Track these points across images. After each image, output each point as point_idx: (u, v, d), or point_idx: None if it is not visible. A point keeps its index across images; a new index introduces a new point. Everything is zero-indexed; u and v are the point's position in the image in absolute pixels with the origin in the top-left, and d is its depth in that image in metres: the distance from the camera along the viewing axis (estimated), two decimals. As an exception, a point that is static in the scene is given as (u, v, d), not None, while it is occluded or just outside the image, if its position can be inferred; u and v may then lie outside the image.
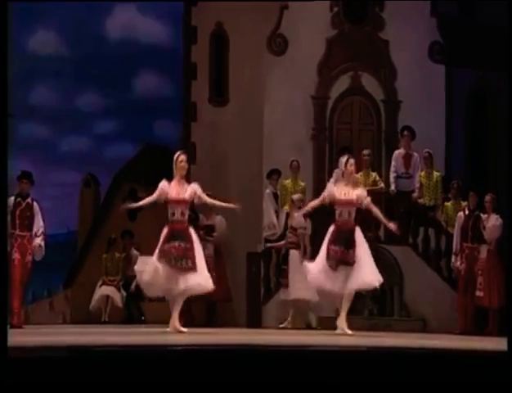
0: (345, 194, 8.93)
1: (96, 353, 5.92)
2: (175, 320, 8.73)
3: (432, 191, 12.87)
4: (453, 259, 11.75)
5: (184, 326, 11.60)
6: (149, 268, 8.58)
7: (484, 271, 11.49)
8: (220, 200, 9.22)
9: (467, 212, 11.73)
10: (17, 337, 7.51)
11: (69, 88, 20.11)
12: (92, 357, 5.64)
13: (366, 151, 12.91)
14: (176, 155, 8.83)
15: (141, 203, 9.01)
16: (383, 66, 14.74)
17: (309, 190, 13.22)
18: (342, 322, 8.92)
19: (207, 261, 12.38)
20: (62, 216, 17.64)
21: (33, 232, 10.46)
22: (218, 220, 12.63)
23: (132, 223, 15.95)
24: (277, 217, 12.97)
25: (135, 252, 14.18)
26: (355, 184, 9.08)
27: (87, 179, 17.54)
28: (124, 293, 14.21)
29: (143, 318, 13.95)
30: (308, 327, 11.77)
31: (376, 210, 9.13)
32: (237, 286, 12.85)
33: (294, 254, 11.83)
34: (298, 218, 11.69)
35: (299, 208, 11.90)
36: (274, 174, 13.10)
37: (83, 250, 16.83)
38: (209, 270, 12.45)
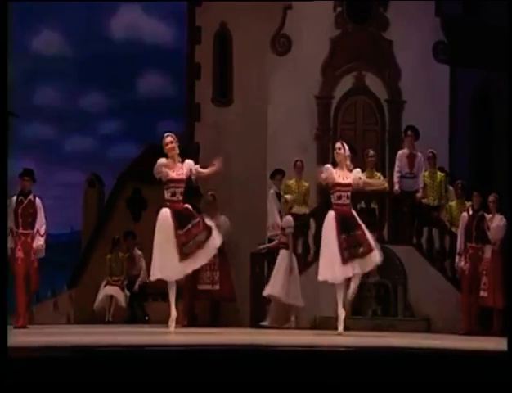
0: (343, 178, 9.03)
1: (100, 353, 5.92)
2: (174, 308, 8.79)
3: (436, 192, 12.87)
4: (457, 260, 11.74)
5: (188, 325, 11.66)
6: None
7: (489, 271, 11.48)
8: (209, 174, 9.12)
9: (471, 212, 11.71)
10: (21, 337, 7.53)
11: (74, 89, 20.16)
12: (96, 357, 5.64)
13: (370, 152, 12.90)
14: (163, 140, 8.79)
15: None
16: (387, 66, 14.73)
17: (313, 190, 13.21)
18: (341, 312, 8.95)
19: (211, 261, 12.48)
20: (66, 216, 17.69)
21: (36, 229, 10.31)
22: (222, 220, 12.63)
23: (136, 224, 15.97)
24: (281, 217, 12.97)
25: (138, 252, 14.20)
26: (348, 168, 9.13)
27: (91, 179, 17.55)
28: (128, 293, 14.22)
29: (147, 318, 13.96)
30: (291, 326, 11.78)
31: (372, 181, 9.19)
32: (241, 286, 12.85)
33: (283, 253, 11.92)
34: (286, 217, 11.89)
35: (290, 208, 12.01)
36: (278, 174, 13.09)
37: (87, 250, 16.84)
38: (214, 270, 12.59)
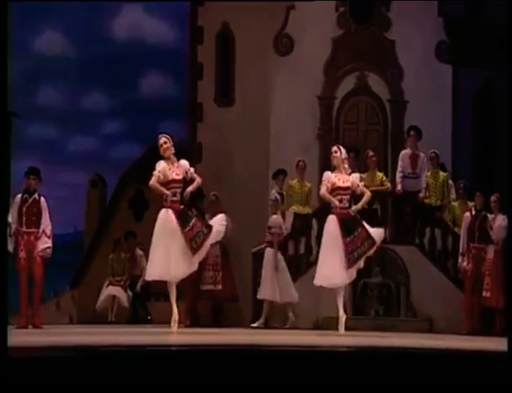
0: (343, 181, 9.03)
1: (103, 353, 5.92)
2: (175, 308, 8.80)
3: (438, 192, 12.85)
4: (460, 260, 11.73)
5: (190, 326, 11.67)
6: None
7: (491, 271, 11.47)
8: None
9: (474, 212, 11.70)
10: (22, 337, 7.53)
11: (76, 89, 20.17)
12: (99, 357, 5.64)
13: (370, 153, 12.90)
14: (158, 142, 8.81)
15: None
16: (389, 66, 14.72)
17: (315, 190, 13.20)
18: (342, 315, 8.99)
19: (214, 261, 12.48)
20: (69, 216, 17.69)
21: (41, 230, 10.21)
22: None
23: (138, 224, 15.97)
24: (283, 217, 12.96)
25: (139, 252, 14.20)
26: (346, 171, 9.14)
27: (93, 180, 17.56)
28: (131, 293, 14.22)
29: (149, 317, 13.96)
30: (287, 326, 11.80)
31: (367, 196, 9.17)
32: (243, 286, 12.85)
33: (268, 252, 11.95)
34: (273, 217, 11.98)
35: (277, 208, 12.04)
36: (280, 175, 13.09)
37: (90, 250, 16.85)
38: (216, 270, 12.59)
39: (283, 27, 14.67)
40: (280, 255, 12.00)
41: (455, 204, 12.72)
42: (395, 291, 12.38)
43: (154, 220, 8.86)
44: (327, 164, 14.49)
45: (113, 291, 14.20)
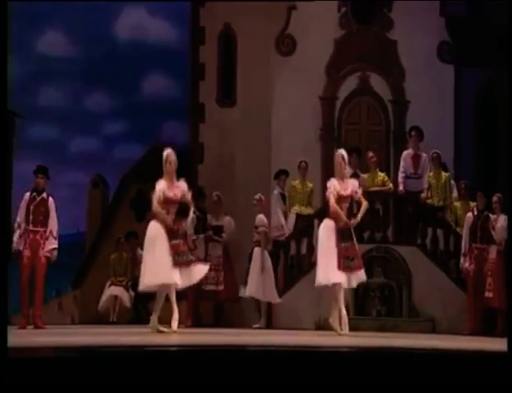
0: (345, 190, 9.04)
1: (105, 353, 5.92)
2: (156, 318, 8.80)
3: (440, 192, 12.85)
4: (462, 260, 11.71)
5: (192, 326, 11.68)
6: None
7: (493, 272, 11.45)
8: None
9: (476, 212, 11.69)
10: (24, 338, 7.53)
11: (78, 90, 20.16)
12: (101, 357, 5.64)
13: (370, 154, 12.90)
14: (165, 155, 8.75)
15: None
16: (391, 66, 14.72)
17: (317, 191, 13.20)
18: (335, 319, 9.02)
19: (216, 262, 12.48)
20: (71, 217, 17.67)
21: (49, 230, 10.10)
22: (227, 221, 12.64)
23: (139, 224, 15.96)
24: (285, 218, 12.97)
25: (141, 252, 14.16)
26: (346, 176, 9.14)
27: (95, 180, 17.56)
28: (132, 293, 14.21)
29: (151, 318, 13.93)
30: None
31: (365, 205, 9.17)
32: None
33: (256, 252, 11.97)
34: (258, 216, 11.95)
35: (261, 207, 12.04)
36: (282, 175, 13.09)
37: (92, 250, 16.85)
38: (218, 270, 12.59)
39: (285, 27, 14.68)
40: (266, 255, 12.02)
41: (458, 204, 12.71)
42: (397, 292, 12.37)
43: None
44: (329, 165, 14.59)
45: (115, 292, 14.20)
